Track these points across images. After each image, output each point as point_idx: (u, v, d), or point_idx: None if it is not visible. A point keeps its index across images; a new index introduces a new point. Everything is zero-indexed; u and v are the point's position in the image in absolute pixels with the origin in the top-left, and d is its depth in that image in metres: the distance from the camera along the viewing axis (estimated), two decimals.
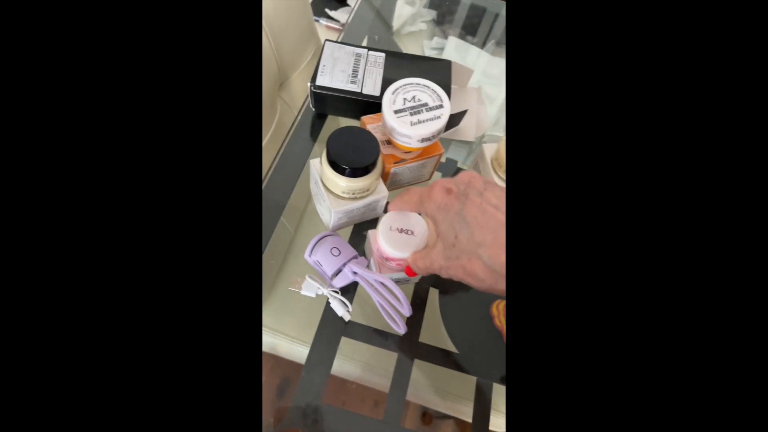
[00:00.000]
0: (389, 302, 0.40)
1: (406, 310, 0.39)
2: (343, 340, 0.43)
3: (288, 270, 0.46)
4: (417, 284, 0.47)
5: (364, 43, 0.70)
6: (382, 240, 0.39)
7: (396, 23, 0.75)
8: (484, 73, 0.69)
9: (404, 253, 0.39)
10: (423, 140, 0.42)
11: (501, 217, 0.29)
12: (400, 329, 0.42)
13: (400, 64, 0.54)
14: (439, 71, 0.53)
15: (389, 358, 0.44)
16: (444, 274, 0.34)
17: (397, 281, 0.44)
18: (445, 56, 0.72)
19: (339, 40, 0.59)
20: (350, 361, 0.44)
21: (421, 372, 0.44)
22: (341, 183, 0.41)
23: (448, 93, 0.51)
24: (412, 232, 0.39)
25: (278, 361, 0.43)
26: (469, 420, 0.43)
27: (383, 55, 0.54)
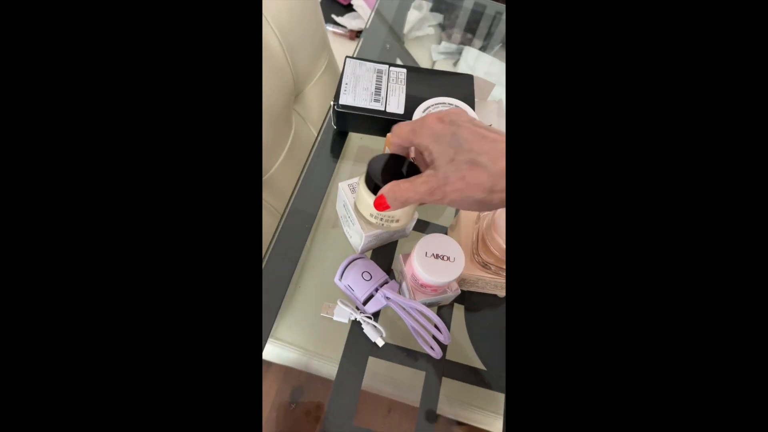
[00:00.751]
0: (424, 327, 0.40)
1: (446, 338, 0.39)
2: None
3: (311, 288, 0.46)
4: (443, 302, 0.47)
5: (379, 52, 0.70)
6: (418, 266, 0.38)
7: (404, 29, 0.74)
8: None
9: (443, 279, 0.38)
10: None
11: (494, 136, 0.31)
12: (437, 355, 0.41)
13: (423, 80, 0.53)
14: (463, 86, 0.53)
15: (401, 368, 0.44)
16: (434, 198, 0.33)
17: (431, 305, 0.44)
18: (462, 67, 0.72)
19: (357, 55, 0.58)
20: (378, 378, 0.44)
21: (450, 387, 0.44)
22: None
23: (472, 108, 0.51)
24: (449, 258, 0.39)
25: (290, 371, 0.43)
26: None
27: (405, 71, 0.53)
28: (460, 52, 0.73)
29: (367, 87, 0.51)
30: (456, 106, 0.44)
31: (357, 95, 0.50)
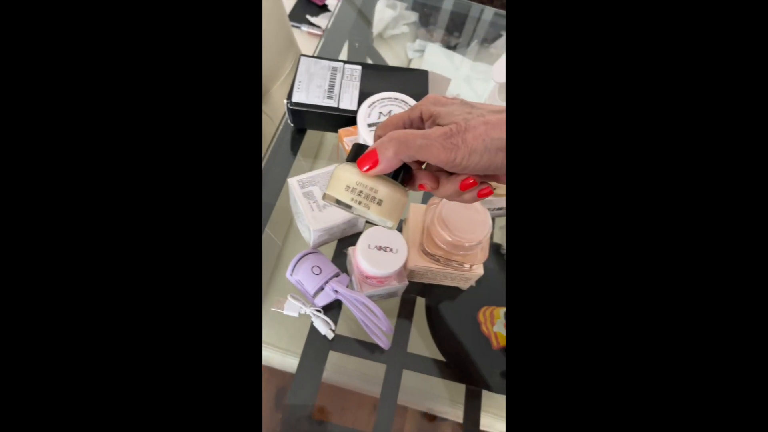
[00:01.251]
0: (371, 319, 0.41)
1: (386, 327, 0.39)
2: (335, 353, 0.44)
3: (273, 287, 0.47)
4: (404, 294, 0.47)
5: (344, 51, 0.70)
6: (361, 258, 0.39)
7: (377, 27, 0.75)
8: (473, 68, 0.69)
9: (385, 270, 0.39)
10: None
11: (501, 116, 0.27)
12: (384, 345, 0.42)
13: (377, 76, 0.54)
14: (416, 82, 0.54)
15: (364, 361, 0.44)
16: (451, 144, 0.27)
17: (380, 297, 0.45)
18: (425, 63, 0.72)
19: (315, 54, 0.58)
20: (345, 371, 0.44)
21: (415, 378, 0.44)
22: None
23: None
24: (392, 249, 0.39)
25: (273, 372, 0.43)
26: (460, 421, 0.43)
27: (359, 68, 0.54)
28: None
29: (321, 84, 0.51)
30: (403, 101, 0.44)
31: (310, 93, 0.51)
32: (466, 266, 0.43)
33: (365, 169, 0.27)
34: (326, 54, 0.66)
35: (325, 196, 0.30)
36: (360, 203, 0.28)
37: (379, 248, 0.39)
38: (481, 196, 0.30)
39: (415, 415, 0.44)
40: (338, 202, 0.29)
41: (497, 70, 0.51)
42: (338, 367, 0.44)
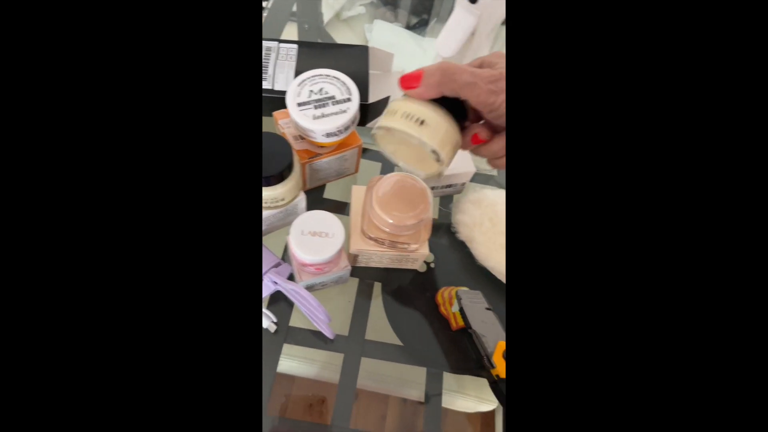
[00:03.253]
0: (309, 309, 0.39)
1: (323, 316, 0.37)
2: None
3: None
4: (360, 282, 0.45)
5: (293, 33, 0.67)
6: (295, 246, 0.37)
7: (331, 10, 0.72)
8: (419, 44, 0.66)
9: (320, 257, 0.37)
10: (328, 135, 0.40)
11: None
12: (328, 334, 0.40)
13: (315, 55, 0.51)
14: (356, 59, 0.51)
15: (322, 352, 0.42)
16: (495, 87, 0.26)
17: (322, 284, 0.43)
18: (373, 42, 0.70)
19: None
20: (311, 363, 0.43)
21: (377, 364, 0.43)
22: None
23: (366, 81, 0.49)
24: (327, 234, 0.37)
25: None
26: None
27: (296, 47, 0.51)
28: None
29: None
30: (336, 77, 0.42)
31: None
32: (412, 246, 0.41)
33: (407, 87, 0.27)
34: (267, 35, 0.63)
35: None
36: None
37: (314, 234, 0.37)
38: None
39: (373, 398, 0.43)
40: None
41: (441, 43, 0.49)
42: (301, 360, 0.42)
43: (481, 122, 0.30)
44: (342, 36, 0.72)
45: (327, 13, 0.72)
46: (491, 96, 0.26)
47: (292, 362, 0.43)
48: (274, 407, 0.40)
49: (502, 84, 0.26)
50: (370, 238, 0.41)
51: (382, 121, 0.29)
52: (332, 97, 0.41)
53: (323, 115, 0.40)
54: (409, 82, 0.28)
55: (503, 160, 0.30)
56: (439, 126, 0.28)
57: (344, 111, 0.40)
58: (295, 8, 0.72)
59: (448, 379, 0.43)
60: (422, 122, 0.28)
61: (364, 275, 0.46)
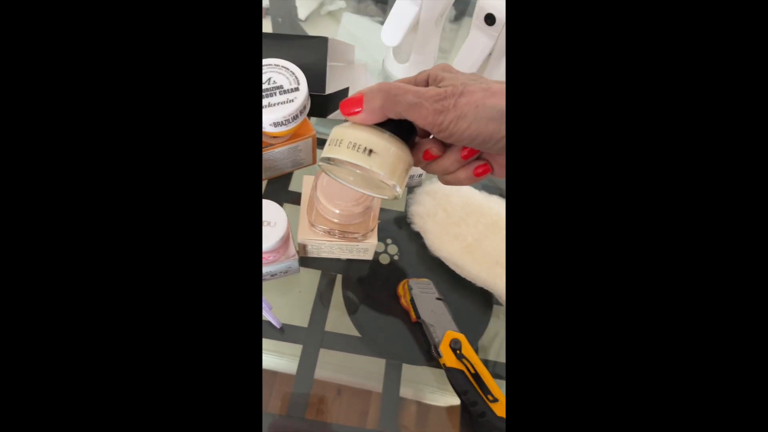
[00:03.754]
0: None
1: (265, 304, 0.37)
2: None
3: None
4: (323, 274, 0.46)
5: (267, 27, 0.67)
6: None
7: (312, 3, 0.71)
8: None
9: (263, 245, 0.37)
10: (276, 124, 0.40)
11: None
12: (276, 323, 0.40)
13: (273, 45, 0.51)
14: (314, 50, 0.51)
15: (283, 344, 0.43)
16: (440, 106, 0.26)
17: (271, 274, 0.43)
18: (340, 34, 0.70)
19: None
20: (280, 356, 0.43)
21: (335, 356, 0.43)
22: None
23: (323, 72, 0.49)
24: (270, 223, 0.37)
25: None
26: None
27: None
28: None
29: None
30: (285, 67, 0.42)
31: None
32: (358, 236, 0.41)
33: (348, 114, 0.26)
34: None
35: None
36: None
37: None
38: (477, 175, 0.29)
39: (329, 389, 0.43)
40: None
41: (385, 32, 0.49)
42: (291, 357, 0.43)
43: (431, 137, 0.29)
44: (327, 29, 0.72)
45: (303, 7, 0.72)
46: (438, 116, 0.25)
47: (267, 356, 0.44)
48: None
49: (449, 102, 0.25)
50: (317, 228, 0.41)
51: (326, 151, 0.28)
52: (280, 87, 0.41)
53: (270, 105, 0.40)
54: (350, 107, 0.27)
55: (455, 176, 0.29)
56: (388, 153, 0.27)
57: (291, 101, 0.40)
58: (267, 2, 0.72)
59: (426, 373, 0.44)
60: (370, 152, 0.26)
61: (326, 267, 0.46)
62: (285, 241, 0.39)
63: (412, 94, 0.26)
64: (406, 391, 0.43)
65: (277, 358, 0.43)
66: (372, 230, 0.41)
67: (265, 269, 0.41)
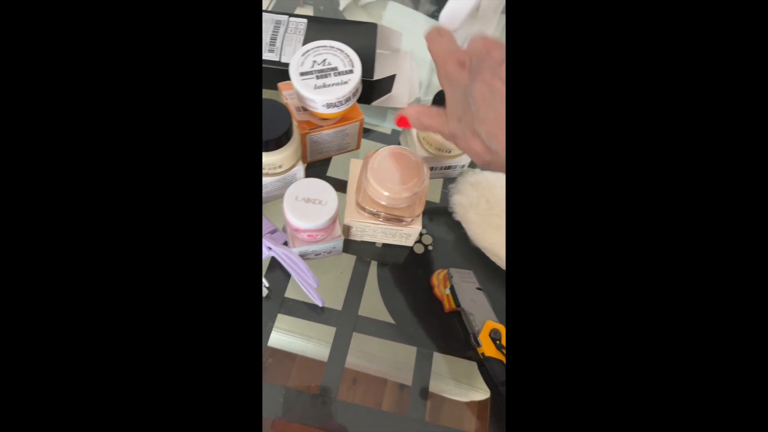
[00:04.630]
0: (299, 275, 0.39)
1: (312, 281, 0.38)
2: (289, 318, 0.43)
3: None
4: (357, 259, 0.46)
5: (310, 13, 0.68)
6: (288, 211, 0.37)
7: None
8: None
9: (313, 223, 0.37)
10: (329, 106, 0.40)
11: (503, 94, 0.28)
12: (318, 301, 0.41)
13: (323, 29, 0.51)
14: (364, 35, 0.51)
15: (314, 325, 0.43)
16: (450, 140, 0.34)
17: (315, 253, 0.43)
18: (384, 22, 0.70)
19: (264, 9, 0.56)
20: (312, 341, 0.43)
21: (366, 342, 0.43)
22: None
23: (372, 57, 0.49)
24: (321, 201, 0.38)
25: None
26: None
27: (305, 21, 0.51)
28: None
29: (262, 38, 0.49)
30: (340, 50, 0.42)
31: None
32: (406, 220, 0.41)
33: (401, 125, 0.37)
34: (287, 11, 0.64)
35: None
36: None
37: (307, 200, 0.38)
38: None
39: (360, 378, 0.43)
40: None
41: (444, 16, 0.49)
42: (292, 334, 0.43)
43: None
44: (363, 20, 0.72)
45: None
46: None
47: (285, 336, 0.44)
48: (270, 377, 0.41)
49: (460, 143, 0.33)
50: (365, 210, 0.41)
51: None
52: (335, 69, 0.41)
53: (324, 86, 0.40)
54: (404, 124, 0.37)
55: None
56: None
57: (345, 83, 0.41)
58: None
59: (441, 365, 0.43)
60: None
61: (360, 253, 0.47)
62: (333, 221, 0.39)
63: (438, 124, 0.34)
64: (435, 382, 0.43)
65: (305, 341, 0.43)
66: (418, 216, 0.41)
67: (310, 248, 0.41)
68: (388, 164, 0.39)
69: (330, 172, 0.51)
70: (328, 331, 0.43)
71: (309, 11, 0.70)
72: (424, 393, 0.42)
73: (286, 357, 0.41)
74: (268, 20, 0.51)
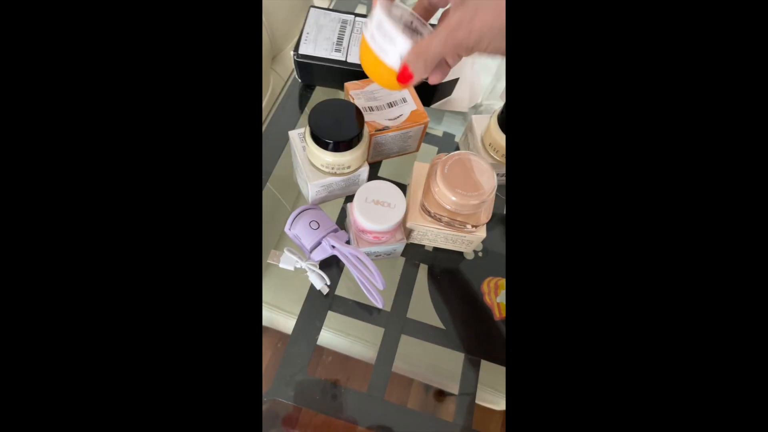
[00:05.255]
0: (365, 275, 0.39)
1: (380, 283, 0.38)
2: (337, 316, 0.43)
3: (272, 242, 0.46)
4: (407, 261, 0.46)
5: (364, 10, 0.68)
6: (357, 212, 0.37)
7: None
8: None
9: (381, 225, 0.37)
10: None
11: None
12: (378, 303, 0.41)
13: None
14: None
15: (362, 324, 0.43)
16: (458, 39, 0.29)
17: (376, 254, 0.43)
18: None
19: (328, 7, 0.56)
20: (357, 341, 0.43)
21: (413, 346, 0.43)
22: (326, 158, 0.39)
23: None
24: (389, 204, 0.38)
25: (268, 331, 0.43)
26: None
27: None
28: None
29: (329, 37, 0.50)
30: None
31: (318, 45, 0.49)
32: (469, 227, 0.41)
33: (405, 82, 0.33)
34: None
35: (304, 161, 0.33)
36: (334, 173, 0.39)
37: (377, 203, 0.38)
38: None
39: (407, 383, 0.43)
40: None
41: None
42: (338, 332, 0.44)
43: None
44: None
45: None
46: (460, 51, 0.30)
47: (333, 335, 0.44)
48: (312, 370, 0.41)
49: (478, 19, 0.28)
50: (429, 214, 0.41)
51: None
52: (418, 32, 0.39)
53: (413, 34, 0.38)
54: (405, 79, 0.33)
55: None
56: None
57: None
58: None
59: (487, 374, 0.43)
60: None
61: (412, 256, 0.46)
62: (399, 223, 0.39)
63: (435, 41, 0.30)
64: (482, 391, 0.43)
65: (352, 341, 0.44)
66: (484, 224, 0.41)
67: (373, 249, 0.41)
68: (458, 169, 0.39)
69: (381, 172, 0.51)
70: (375, 332, 0.43)
71: (363, 9, 0.70)
72: (471, 401, 0.42)
73: (332, 355, 0.42)
74: (335, 19, 0.51)
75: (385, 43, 0.32)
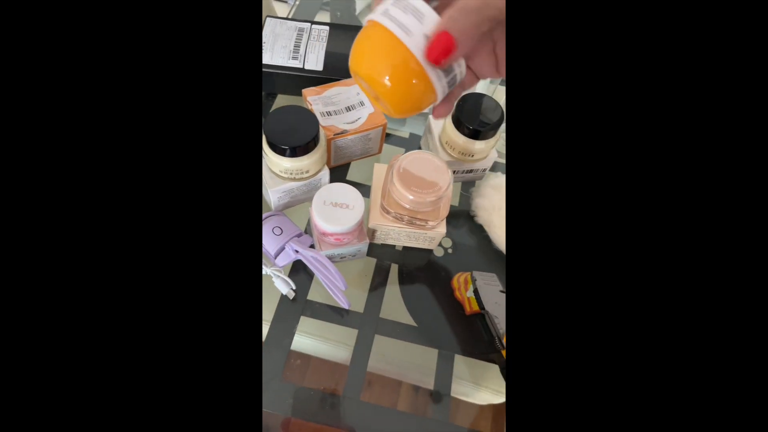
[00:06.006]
0: (327, 277, 0.40)
1: (341, 284, 0.38)
2: (312, 321, 0.43)
3: None
4: (379, 261, 0.47)
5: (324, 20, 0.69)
6: (316, 215, 0.38)
7: (364, 1, 0.73)
8: None
9: (340, 227, 0.38)
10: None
11: None
12: (344, 303, 0.41)
13: (346, 36, 0.52)
14: None
15: (337, 327, 0.43)
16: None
17: (341, 256, 0.44)
18: None
19: (286, 16, 0.57)
20: (338, 345, 0.44)
21: (387, 345, 0.44)
22: (284, 164, 0.40)
23: None
24: (348, 206, 0.38)
25: None
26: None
27: (327, 28, 0.52)
28: None
29: (286, 45, 0.50)
30: None
31: (275, 53, 0.50)
32: (430, 224, 0.42)
33: (447, 55, 0.25)
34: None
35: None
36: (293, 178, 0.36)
37: (335, 204, 0.38)
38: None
39: (382, 381, 0.44)
40: None
41: None
42: (312, 336, 0.44)
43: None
44: None
45: (360, 2, 0.74)
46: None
47: (307, 339, 0.44)
48: (289, 376, 0.42)
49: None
50: (389, 214, 0.42)
51: None
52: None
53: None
54: (448, 50, 0.25)
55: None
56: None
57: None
58: None
59: (461, 368, 0.44)
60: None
61: (381, 256, 0.47)
62: (359, 224, 0.40)
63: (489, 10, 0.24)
64: (460, 390, 0.43)
65: (329, 345, 0.44)
66: (442, 220, 0.42)
67: (336, 251, 0.42)
68: (413, 168, 0.39)
69: (350, 176, 0.52)
70: (349, 334, 0.44)
71: (325, 16, 0.71)
72: (445, 395, 0.42)
73: (306, 359, 0.42)
74: (291, 28, 0.52)
75: (409, 19, 0.25)
